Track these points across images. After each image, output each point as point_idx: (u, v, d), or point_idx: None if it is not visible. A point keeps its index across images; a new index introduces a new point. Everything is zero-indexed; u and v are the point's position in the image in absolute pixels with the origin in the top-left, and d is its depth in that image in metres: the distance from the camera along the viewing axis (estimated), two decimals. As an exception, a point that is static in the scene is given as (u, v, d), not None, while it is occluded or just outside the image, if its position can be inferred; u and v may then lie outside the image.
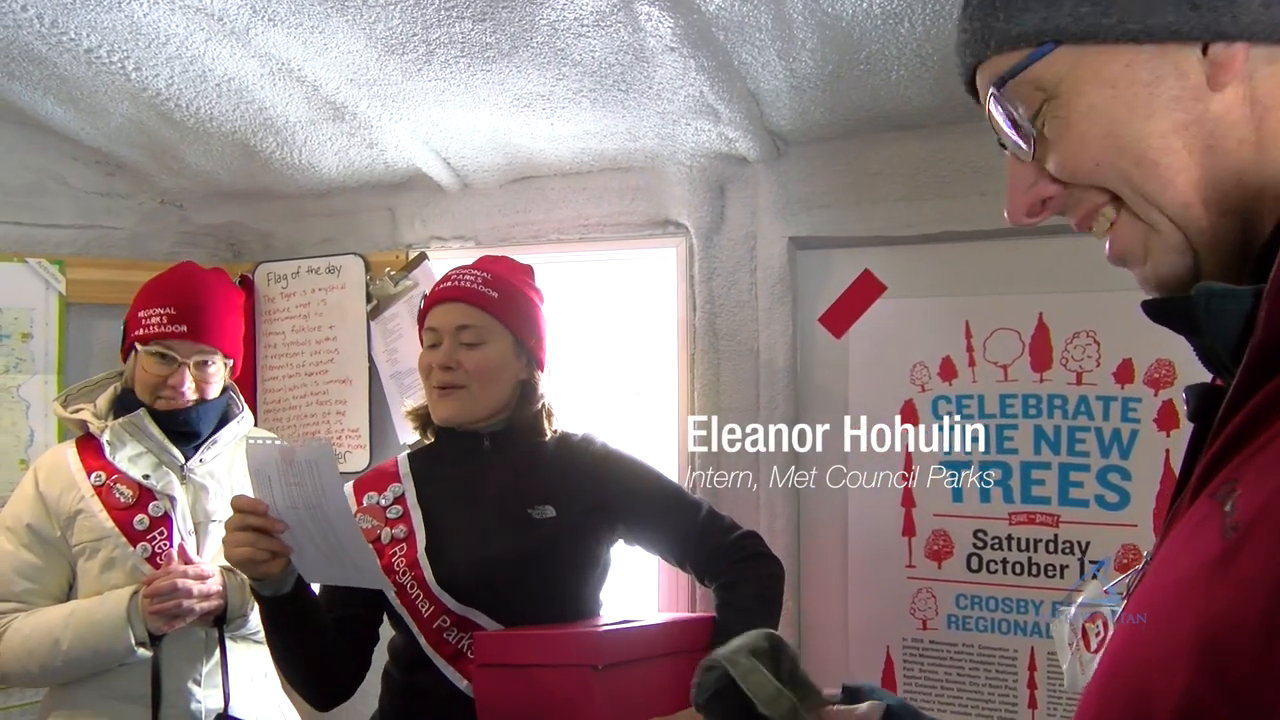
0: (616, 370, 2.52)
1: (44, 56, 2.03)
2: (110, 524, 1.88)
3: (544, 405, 1.72)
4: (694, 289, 2.23)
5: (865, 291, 2.13)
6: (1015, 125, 0.69)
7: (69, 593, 1.93)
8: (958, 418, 2.03)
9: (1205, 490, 0.58)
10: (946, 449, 2.03)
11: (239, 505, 1.46)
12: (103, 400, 1.97)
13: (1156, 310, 0.64)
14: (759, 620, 1.60)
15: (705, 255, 2.21)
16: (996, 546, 2.00)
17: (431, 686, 1.57)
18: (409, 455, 1.76)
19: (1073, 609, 1.13)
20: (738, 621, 1.58)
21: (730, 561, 1.66)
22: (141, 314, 1.93)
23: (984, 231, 1.98)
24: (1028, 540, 1.98)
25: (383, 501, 1.68)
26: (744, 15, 1.65)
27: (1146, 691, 0.54)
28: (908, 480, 2.07)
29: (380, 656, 1.70)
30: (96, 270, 2.53)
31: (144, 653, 1.83)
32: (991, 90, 0.69)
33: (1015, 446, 1.99)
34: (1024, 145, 0.69)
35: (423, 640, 1.57)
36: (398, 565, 1.61)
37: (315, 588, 1.63)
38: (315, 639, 1.58)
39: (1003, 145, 0.72)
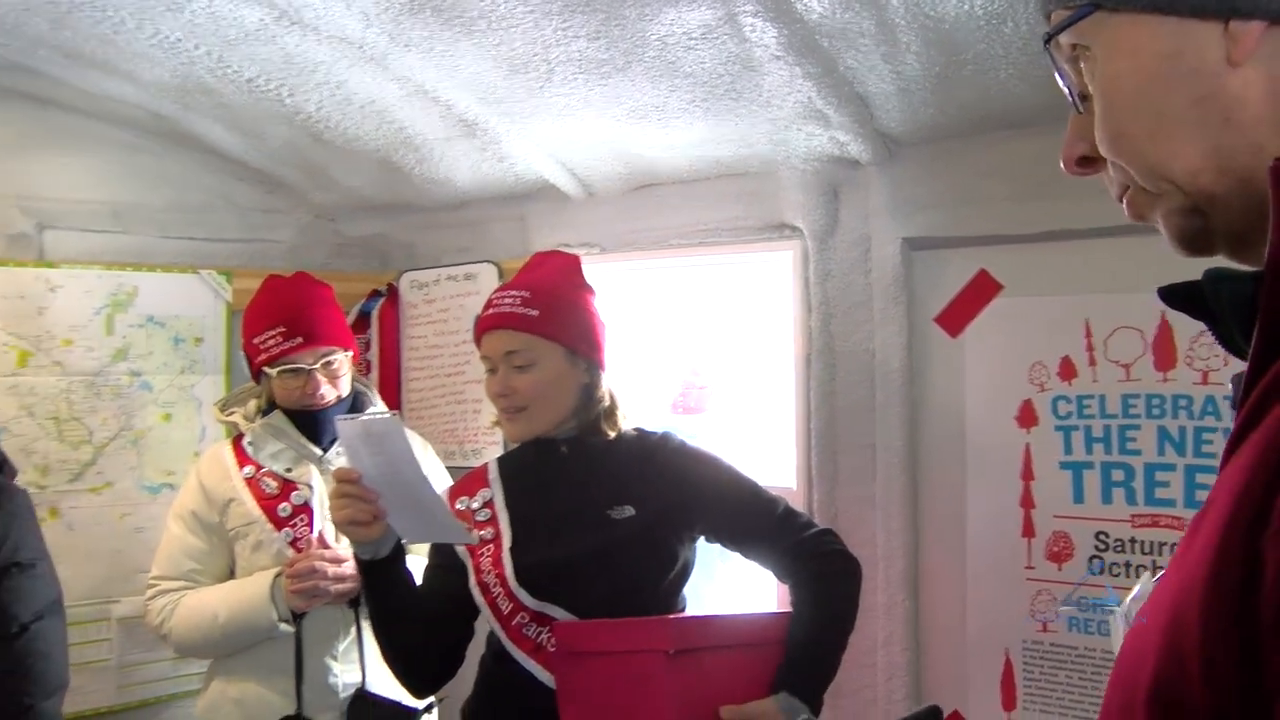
0: (734, 372, 2.58)
1: (212, 88, 2.25)
2: (258, 511, 2.08)
3: (606, 405, 1.75)
4: (809, 291, 2.26)
5: (981, 291, 2.12)
6: (1064, 77, 0.72)
7: (231, 574, 2.15)
8: (1077, 419, 1.99)
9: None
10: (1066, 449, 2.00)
11: (338, 475, 1.62)
12: (252, 405, 2.18)
13: (1170, 297, 0.66)
14: (828, 619, 1.65)
15: (820, 258, 2.24)
16: (1119, 549, 1.96)
17: (516, 677, 1.65)
18: (499, 460, 1.85)
19: (1127, 601, 1.12)
20: (809, 620, 1.64)
21: (805, 559, 1.67)
22: (256, 340, 2.10)
23: (1103, 229, 1.94)
24: (1151, 543, 1.93)
25: (473, 505, 1.77)
26: (846, 22, 1.69)
27: (1134, 679, 0.57)
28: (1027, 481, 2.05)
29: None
30: (259, 281, 2.76)
31: (286, 628, 2.02)
32: (1044, 40, 0.73)
33: (1138, 447, 1.94)
34: (1069, 98, 0.72)
35: (503, 635, 1.66)
36: (484, 565, 1.70)
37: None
38: (409, 611, 1.70)
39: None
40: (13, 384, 2.45)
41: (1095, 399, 1.99)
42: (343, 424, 1.57)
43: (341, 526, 1.62)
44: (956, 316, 2.15)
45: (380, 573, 1.67)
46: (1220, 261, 0.68)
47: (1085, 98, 0.71)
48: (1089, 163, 0.73)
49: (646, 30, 1.81)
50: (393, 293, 2.95)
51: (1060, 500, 2.02)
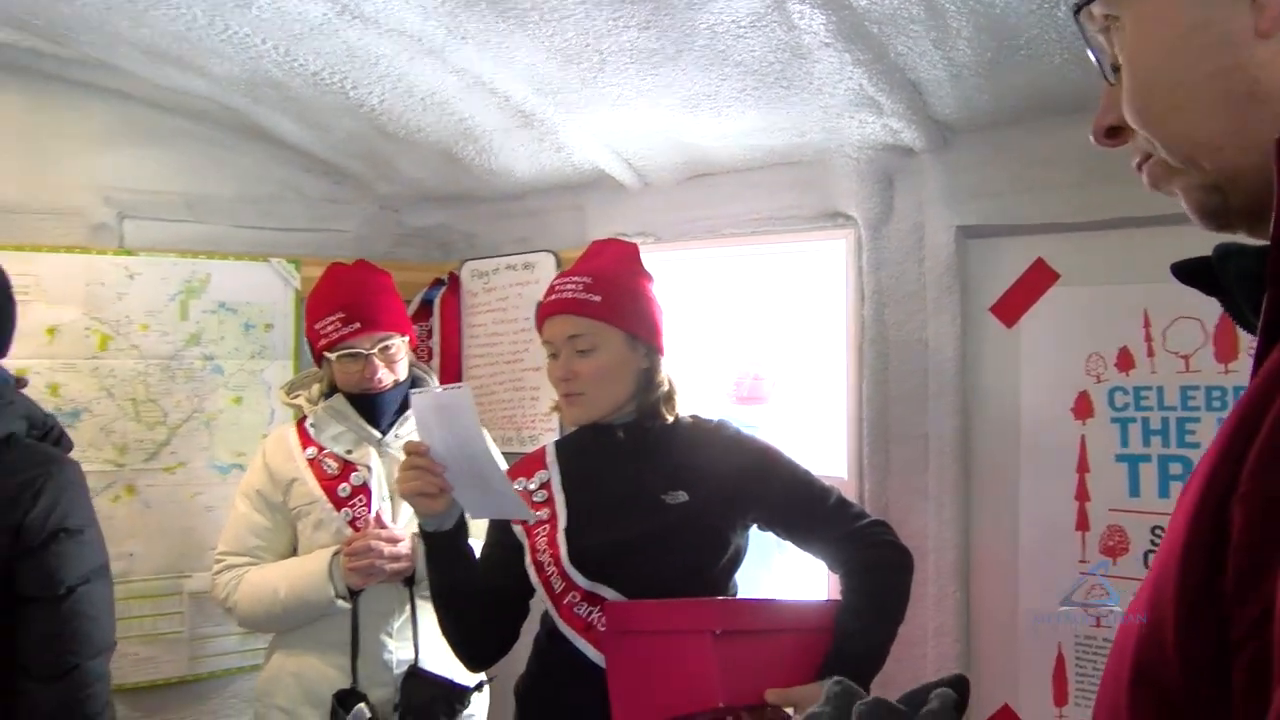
0: (789, 361, 2.58)
1: (280, 81, 2.33)
2: (319, 491, 2.16)
3: (664, 390, 1.78)
4: (863, 280, 2.25)
5: (1038, 280, 2.09)
6: (1095, 48, 0.72)
7: (293, 551, 2.23)
8: (1134, 410, 1.96)
9: None
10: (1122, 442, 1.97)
11: (408, 448, 1.66)
12: (315, 389, 2.26)
13: (1181, 273, 0.66)
14: (877, 609, 1.66)
15: (873, 246, 2.23)
16: (1176, 544, 1.92)
17: (567, 655, 1.68)
18: (556, 444, 1.88)
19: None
20: (858, 609, 1.64)
21: (856, 549, 1.68)
22: (317, 326, 2.18)
23: (1163, 216, 1.89)
24: (1210, 538, 1.88)
25: (530, 486, 1.81)
26: (895, 7, 1.68)
27: (1119, 671, 0.57)
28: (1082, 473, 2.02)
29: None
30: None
31: (343, 605, 2.09)
32: (1071, 9, 0.73)
33: (1197, 440, 1.90)
34: (1100, 69, 0.72)
35: (555, 614, 1.70)
36: (540, 545, 1.74)
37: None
38: (469, 586, 1.74)
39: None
40: (94, 366, 2.57)
41: (1153, 390, 1.95)
42: (416, 397, 1.62)
43: (409, 498, 1.66)
44: (1012, 306, 2.13)
45: (443, 546, 1.71)
46: (1239, 237, 0.67)
47: (1117, 69, 0.71)
48: (1117, 133, 0.73)
49: (696, 19, 1.82)
50: (454, 282, 3.01)
51: (1116, 494, 1.98)
